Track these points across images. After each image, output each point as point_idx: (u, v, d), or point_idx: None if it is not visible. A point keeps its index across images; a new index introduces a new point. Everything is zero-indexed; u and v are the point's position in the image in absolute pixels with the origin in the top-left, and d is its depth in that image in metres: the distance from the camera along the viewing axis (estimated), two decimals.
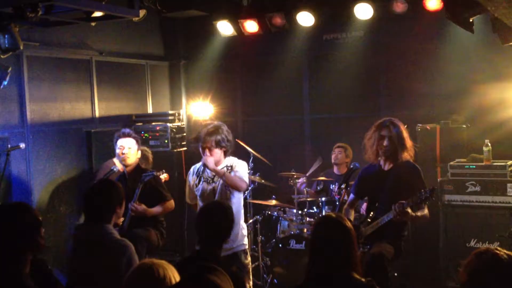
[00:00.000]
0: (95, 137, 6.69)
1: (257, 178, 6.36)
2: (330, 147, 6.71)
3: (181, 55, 8.14)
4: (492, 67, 6.15)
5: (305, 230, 5.93)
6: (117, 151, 5.29)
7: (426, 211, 4.55)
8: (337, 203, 5.47)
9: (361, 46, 7.00)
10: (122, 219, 4.81)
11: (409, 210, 4.32)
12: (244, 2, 6.96)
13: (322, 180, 6.49)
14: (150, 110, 7.74)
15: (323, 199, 6.09)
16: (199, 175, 4.88)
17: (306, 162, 7.42)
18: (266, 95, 7.72)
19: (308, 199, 6.27)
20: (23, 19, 4.38)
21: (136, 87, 7.60)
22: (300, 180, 6.28)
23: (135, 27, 7.03)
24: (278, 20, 6.85)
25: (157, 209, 5.21)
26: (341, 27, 7.04)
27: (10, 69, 5.12)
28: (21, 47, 4.86)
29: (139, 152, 5.40)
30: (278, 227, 6.27)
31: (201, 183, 4.84)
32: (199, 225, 3.38)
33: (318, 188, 6.56)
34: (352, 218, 4.96)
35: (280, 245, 5.90)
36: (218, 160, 4.74)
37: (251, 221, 6.31)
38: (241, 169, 4.78)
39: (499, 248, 2.43)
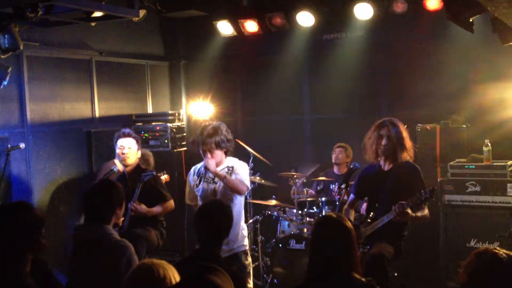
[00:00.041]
0: (95, 137, 6.69)
1: (257, 179, 6.36)
2: (330, 147, 6.71)
3: (181, 55, 8.14)
4: (492, 67, 6.14)
5: (305, 230, 5.94)
6: (117, 151, 5.29)
7: (426, 211, 4.55)
8: (337, 203, 5.47)
9: (361, 46, 7.00)
10: (122, 219, 4.81)
11: (409, 211, 4.32)
12: (244, 2, 6.96)
13: (322, 180, 6.49)
14: (150, 110, 7.74)
15: (323, 199, 6.09)
16: (199, 175, 4.88)
17: (306, 162, 7.42)
18: (266, 95, 7.71)
19: (308, 199, 6.27)
20: (23, 19, 4.38)
21: (136, 87, 7.60)
22: (298, 182, 6.29)
23: (135, 27, 7.03)
24: (278, 20, 6.85)
25: (157, 209, 5.20)
26: (341, 27, 7.03)
27: (10, 69, 5.11)
28: (21, 47, 4.86)
29: (139, 152, 5.40)
30: (278, 227, 6.27)
31: (201, 183, 4.83)
32: (198, 224, 3.37)
33: (318, 188, 6.57)
34: (352, 218, 4.96)
35: (280, 245, 5.90)
36: (219, 161, 4.74)
37: (251, 221, 6.31)
38: (242, 172, 4.77)
39: (498, 248, 2.43)
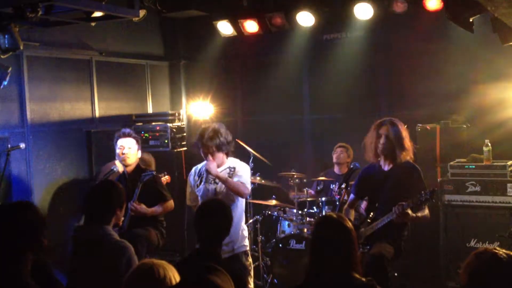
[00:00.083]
0: (95, 137, 6.69)
1: (257, 179, 6.36)
2: (330, 147, 6.71)
3: (181, 55, 8.14)
4: (492, 67, 6.14)
5: (305, 230, 5.94)
6: (117, 151, 5.29)
7: (426, 211, 4.56)
8: (337, 203, 5.47)
9: (361, 46, 7.00)
10: (122, 219, 4.81)
11: (409, 211, 4.33)
12: (244, 2, 6.96)
13: (322, 180, 6.49)
14: (150, 110, 7.74)
15: (323, 199, 6.09)
16: (200, 175, 4.88)
17: (306, 162, 7.43)
18: (266, 95, 7.71)
19: (308, 199, 6.28)
20: (23, 19, 4.38)
21: (136, 87, 7.60)
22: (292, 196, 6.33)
23: (135, 27, 7.03)
24: (278, 20, 6.85)
25: (156, 209, 5.20)
26: (341, 27, 7.03)
27: (10, 69, 5.11)
28: (21, 47, 4.86)
29: (139, 152, 5.40)
30: (278, 227, 6.27)
31: (202, 183, 4.83)
32: (198, 223, 3.37)
33: (318, 188, 6.57)
34: (352, 218, 4.96)
35: (280, 245, 5.90)
36: (220, 162, 4.75)
37: (251, 221, 6.31)
38: (244, 174, 4.77)
39: (498, 248, 2.43)
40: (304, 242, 5.77)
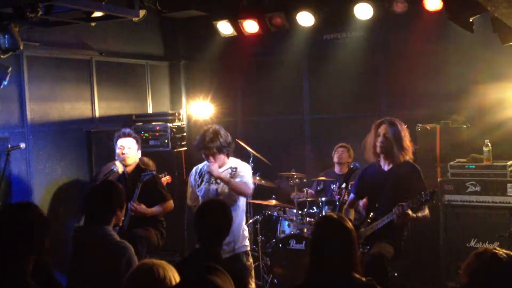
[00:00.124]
0: (95, 137, 6.69)
1: (257, 179, 6.36)
2: (330, 147, 6.71)
3: (181, 55, 8.14)
4: (492, 67, 6.14)
5: (305, 230, 5.93)
6: (117, 151, 5.29)
7: (426, 211, 4.56)
8: (337, 203, 5.47)
9: (361, 46, 7.00)
10: (122, 219, 4.81)
11: (410, 212, 4.33)
12: (244, 2, 6.95)
13: (322, 180, 6.49)
14: (150, 110, 7.74)
15: (323, 199, 6.09)
16: (201, 175, 4.88)
17: (306, 162, 7.42)
18: (266, 95, 7.71)
19: (308, 199, 6.28)
20: (23, 19, 4.38)
21: (136, 87, 7.60)
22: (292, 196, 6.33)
23: (135, 27, 7.02)
24: (278, 20, 6.84)
25: (156, 209, 5.20)
26: (341, 27, 7.03)
27: (10, 69, 5.11)
28: (21, 47, 4.85)
29: (139, 152, 5.40)
30: (278, 227, 6.27)
31: (203, 183, 4.83)
32: (198, 223, 3.37)
33: (318, 188, 6.57)
34: (352, 217, 4.96)
35: (280, 245, 5.90)
36: (222, 163, 4.76)
37: (251, 221, 6.31)
38: (246, 173, 4.78)
39: (498, 248, 2.44)
40: (304, 242, 5.76)
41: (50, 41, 6.20)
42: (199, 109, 7.72)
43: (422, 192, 4.29)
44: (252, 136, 7.41)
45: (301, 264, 5.47)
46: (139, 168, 5.34)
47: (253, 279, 4.88)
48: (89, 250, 3.33)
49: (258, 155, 6.48)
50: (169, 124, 6.99)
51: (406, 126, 4.85)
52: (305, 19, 6.70)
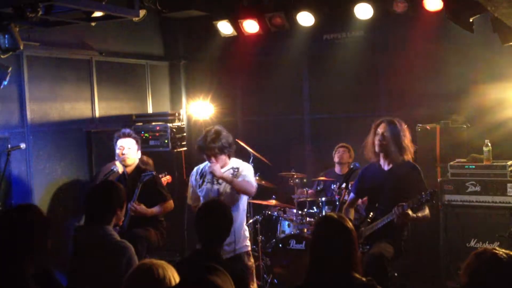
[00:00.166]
0: (95, 137, 6.69)
1: (256, 179, 6.34)
2: (330, 147, 6.71)
3: (181, 55, 8.14)
4: (492, 67, 6.14)
5: (305, 230, 5.93)
6: (117, 151, 5.29)
7: (426, 211, 4.56)
8: (337, 203, 5.47)
9: (361, 46, 7.00)
10: (122, 219, 4.81)
11: (410, 212, 4.33)
12: (244, 2, 6.96)
13: (322, 180, 6.49)
14: (150, 110, 7.74)
15: (323, 199, 6.09)
16: (203, 176, 4.87)
17: (306, 162, 7.42)
18: (266, 95, 7.71)
19: (308, 199, 6.28)
20: (23, 19, 4.38)
21: (136, 87, 7.60)
22: (299, 192, 6.32)
23: (135, 27, 7.02)
24: (278, 20, 6.84)
25: (156, 209, 5.21)
26: (341, 27, 7.03)
27: (10, 69, 5.12)
28: (21, 47, 4.86)
29: (139, 152, 5.40)
30: (278, 227, 6.27)
31: (205, 183, 4.82)
32: (198, 224, 3.38)
33: (318, 188, 6.57)
34: (352, 217, 4.97)
35: (280, 245, 5.90)
36: (223, 164, 4.75)
37: (251, 221, 6.31)
38: (248, 173, 4.78)
39: (497, 248, 2.43)
40: (304, 242, 5.76)
41: (50, 41, 6.20)
42: (199, 109, 7.72)
43: (422, 192, 4.29)
44: (252, 136, 7.41)
45: (301, 264, 5.48)
46: (139, 168, 5.34)
47: (254, 280, 4.87)
48: (89, 250, 3.33)
49: (258, 155, 6.48)
50: (169, 124, 6.98)
51: (406, 126, 4.84)
52: (305, 19, 6.70)
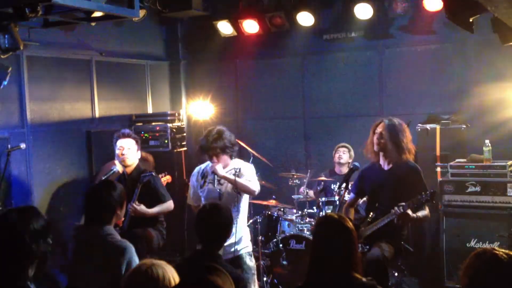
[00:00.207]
0: (95, 137, 6.69)
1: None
2: (330, 147, 6.71)
3: (181, 55, 8.14)
4: (492, 67, 6.15)
5: (305, 230, 5.94)
6: (117, 151, 5.28)
7: (427, 211, 4.56)
8: (337, 203, 5.47)
9: (361, 46, 7.00)
10: (122, 219, 4.81)
11: (410, 212, 4.33)
12: (244, 3, 6.96)
13: (322, 180, 6.49)
14: (150, 110, 7.74)
15: (323, 199, 6.09)
16: (204, 176, 4.86)
17: (306, 162, 7.42)
18: (266, 95, 7.72)
19: (308, 199, 6.27)
20: (23, 19, 4.38)
21: (136, 87, 7.60)
22: (301, 190, 6.31)
23: (135, 27, 7.03)
24: (278, 20, 6.85)
25: (156, 210, 5.20)
26: (341, 27, 7.03)
27: (10, 69, 5.12)
28: (21, 47, 4.86)
29: (139, 152, 5.40)
30: (278, 227, 6.26)
31: (206, 184, 4.80)
32: (198, 225, 3.39)
33: (318, 188, 6.57)
34: (352, 217, 4.96)
35: (280, 245, 5.90)
36: (225, 164, 4.72)
37: (251, 221, 6.30)
38: (250, 173, 4.77)
39: (497, 248, 2.43)
40: (304, 242, 5.76)
41: (50, 41, 6.20)
42: (199, 109, 7.71)
43: (422, 192, 4.29)
44: (252, 136, 7.41)
45: (301, 264, 5.47)
46: (139, 168, 5.33)
47: (256, 280, 4.86)
48: (89, 250, 3.33)
49: (258, 155, 6.48)
50: (169, 125, 6.98)
51: (406, 126, 4.84)
52: (305, 19, 6.70)
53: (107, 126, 6.84)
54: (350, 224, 2.92)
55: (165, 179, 5.81)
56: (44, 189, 6.19)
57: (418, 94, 6.63)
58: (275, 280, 5.96)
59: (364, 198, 5.19)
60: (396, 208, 4.32)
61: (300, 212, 6.08)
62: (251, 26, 7.04)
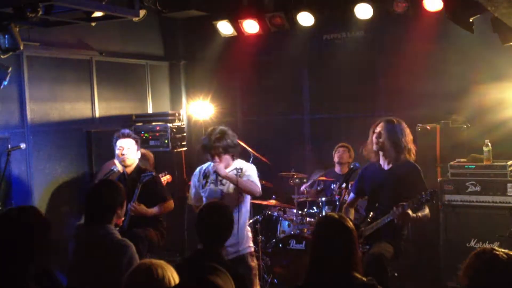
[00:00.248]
0: (95, 137, 6.69)
1: None
2: (330, 147, 6.71)
3: (181, 55, 8.14)
4: (492, 67, 6.14)
5: (305, 230, 5.93)
6: (117, 151, 5.28)
7: (427, 211, 4.56)
8: (337, 203, 5.47)
9: (361, 46, 7.00)
10: (122, 219, 4.81)
11: (410, 212, 4.33)
12: (244, 2, 6.96)
13: (322, 180, 6.50)
14: (150, 110, 7.74)
15: (323, 199, 6.09)
16: (206, 176, 4.84)
17: (306, 162, 7.42)
18: (266, 95, 7.72)
19: (308, 199, 6.27)
20: (23, 19, 4.39)
21: (136, 87, 7.60)
22: (302, 188, 6.31)
23: (135, 27, 7.02)
24: (278, 20, 6.85)
25: (156, 209, 5.20)
26: (341, 27, 7.04)
27: (10, 69, 5.12)
28: (21, 47, 4.86)
29: (139, 152, 5.40)
30: (278, 227, 6.27)
31: (208, 184, 4.79)
32: (199, 225, 3.39)
33: (318, 188, 6.57)
34: (352, 217, 4.97)
35: (280, 245, 5.89)
36: (227, 164, 4.70)
37: (251, 221, 6.30)
38: (252, 173, 4.75)
39: (497, 248, 2.43)
40: (304, 242, 5.76)
41: (50, 41, 6.20)
42: (199, 109, 7.72)
43: (422, 192, 4.29)
44: (252, 136, 7.40)
45: (301, 264, 5.48)
46: (139, 168, 5.33)
47: (257, 281, 4.86)
48: (90, 249, 3.33)
49: (258, 155, 6.48)
50: (169, 124, 6.98)
51: (407, 126, 4.84)
52: (305, 19, 6.70)
53: (107, 126, 6.84)
54: (350, 224, 2.92)
55: (165, 178, 5.81)
56: (44, 189, 6.19)
57: (418, 94, 6.63)
58: (275, 280, 5.96)
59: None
60: (396, 208, 4.32)
61: (300, 212, 6.07)
62: (251, 26, 7.04)
